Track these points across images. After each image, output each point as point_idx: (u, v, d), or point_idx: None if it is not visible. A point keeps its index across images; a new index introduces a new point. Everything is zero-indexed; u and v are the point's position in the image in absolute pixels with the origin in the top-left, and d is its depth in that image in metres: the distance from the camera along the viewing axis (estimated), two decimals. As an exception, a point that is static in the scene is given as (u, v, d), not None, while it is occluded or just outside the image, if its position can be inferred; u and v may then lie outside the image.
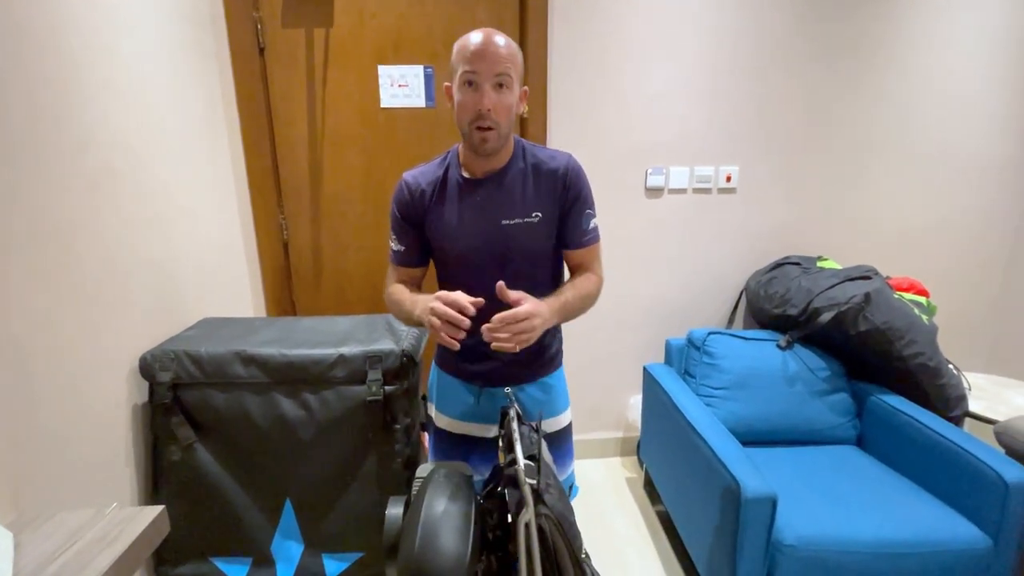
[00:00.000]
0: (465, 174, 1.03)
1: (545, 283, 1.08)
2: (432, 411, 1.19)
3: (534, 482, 0.75)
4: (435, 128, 1.81)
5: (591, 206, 1.05)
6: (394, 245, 1.11)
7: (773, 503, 1.16)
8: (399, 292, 1.08)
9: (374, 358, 1.25)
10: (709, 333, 1.72)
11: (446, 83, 0.99)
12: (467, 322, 0.85)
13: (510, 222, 1.01)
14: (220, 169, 1.67)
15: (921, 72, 1.93)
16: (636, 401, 2.11)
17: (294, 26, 1.70)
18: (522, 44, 1.77)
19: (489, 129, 0.94)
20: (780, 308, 1.75)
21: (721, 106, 1.90)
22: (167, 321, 1.37)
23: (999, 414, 1.63)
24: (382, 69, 1.75)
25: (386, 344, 1.27)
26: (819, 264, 1.87)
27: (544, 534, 0.74)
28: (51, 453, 0.99)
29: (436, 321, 0.87)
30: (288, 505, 1.28)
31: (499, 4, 1.74)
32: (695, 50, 1.84)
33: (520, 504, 0.77)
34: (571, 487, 1.16)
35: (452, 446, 1.15)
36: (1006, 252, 2.17)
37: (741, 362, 1.65)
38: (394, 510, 0.87)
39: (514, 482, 0.85)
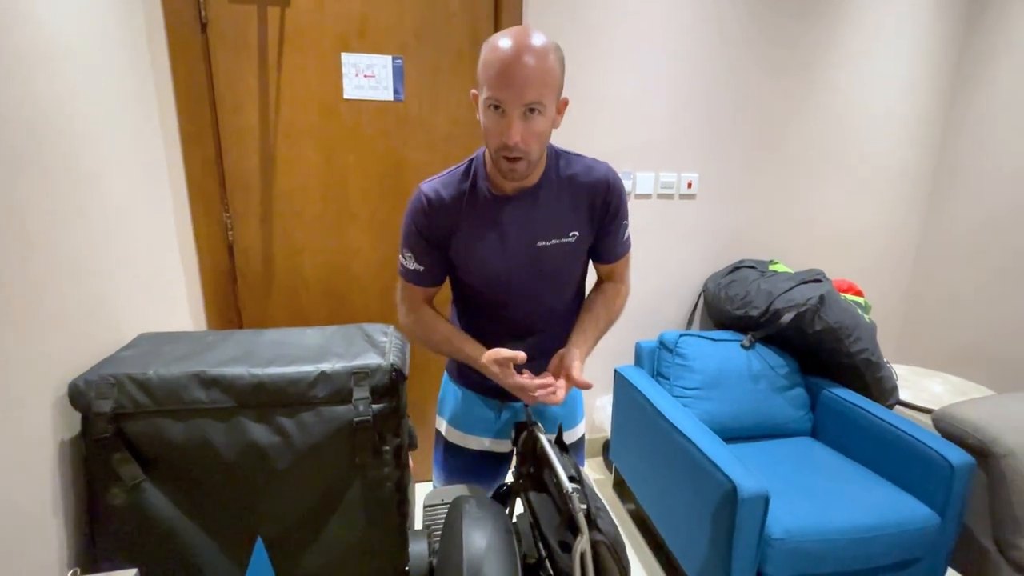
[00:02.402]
0: (494, 190, 0.92)
1: (571, 299, 1.04)
2: (443, 427, 1.12)
3: (586, 507, 0.70)
4: (403, 124, 1.70)
5: (626, 215, 1.01)
6: (409, 264, 0.98)
7: (766, 501, 1.21)
8: (434, 328, 0.98)
9: (360, 374, 1.13)
10: (680, 335, 1.77)
11: (473, 90, 0.87)
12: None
13: (546, 243, 0.92)
14: (151, 158, 1.44)
15: (850, 94, 2.13)
16: (603, 403, 2.13)
17: (244, 1, 1.51)
18: (496, 41, 1.72)
19: (517, 160, 0.83)
20: (742, 309, 1.84)
21: (684, 116, 1.96)
22: (98, 339, 1.16)
23: (924, 400, 1.84)
24: (346, 57, 1.61)
25: (372, 359, 1.16)
26: (771, 267, 1.99)
27: (600, 562, 0.69)
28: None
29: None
30: (260, 544, 1.12)
31: (473, -3, 1.67)
32: (661, 61, 1.90)
33: (572, 528, 0.72)
34: None
35: (465, 461, 1.09)
36: (911, 254, 2.46)
37: (711, 362, 1.72)
38: (418, 546, 0.79)
39: (554, 505, 0.80)
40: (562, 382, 0.88)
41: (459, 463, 1.10)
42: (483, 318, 1.03)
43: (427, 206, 0.93)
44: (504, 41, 0.77)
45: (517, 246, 0.93)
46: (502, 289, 0.97)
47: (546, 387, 0.87)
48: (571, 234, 0.94)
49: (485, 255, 0.94)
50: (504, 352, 0.87)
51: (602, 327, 0.99)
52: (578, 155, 0.98)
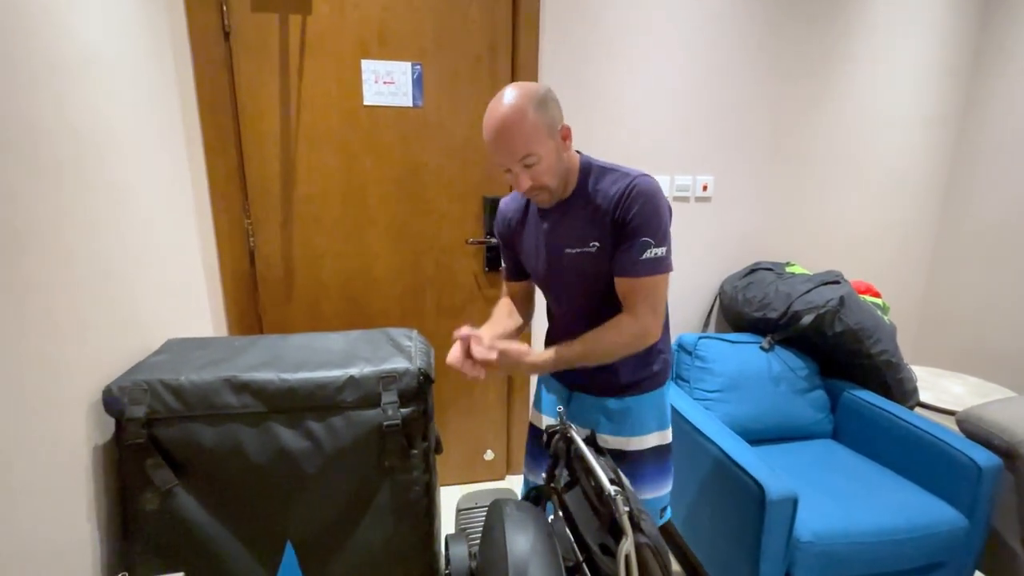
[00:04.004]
0: (539, 204, 1.06)
1: (609, 307, 1.03)
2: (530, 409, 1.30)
3: (628, 509, 0.71)
4: (422, 129, 1.71)
5: (651, 234, 0.93)
6: (503, 261, 1.23)
7: (794, 503, 1.20)
8: (496, 311, 1.20)
9: (388, 379, 1.14)
10: (699, 337, 1.77)
11: None
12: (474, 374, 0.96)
13: (572, 251, 1.01)
14: (175, 166, 1.46)
15: (864, 96, 2.13)
16: (619, 406, 2.12)
17: (266, 10, 1.53)
18: (514, 45, 1.73)
19: (537, 196, 0.99)
20: (760, 312, 1.84)
21: (699, 119, 1.97)
22: (130, 345, 1.17)
23: (945, 402, 1.83)
24: (366, 64, 1.62)
25: (400, 363, 1.17)
26: (788, 269, 1.99)
27: (644, 565, 0.70)
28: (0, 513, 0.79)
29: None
30: (289, 548, 1.13)
31: (492, 3, 1.67)
32: (676, 65, 1.90)
33: (613, 531, 0.72)
34: (664, 509, 1.15)
35: (536, 438, 1.22)
36: (928, 256, 2.45)
37: (731, 365, 1.71)
38: (459, 548, 0.79)
39: (592, 508, 0.80)
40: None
41: (533, 439, 1.24)
42: (550, 316, 1.21)
43: (499, 216, 1.18)
44: (490, 115, 0.92)
45: (550, 253, 1.06)
46: (547, 290, 1.14)
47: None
48: (591, 244, 0.99)
49: (529, 259, 1.12)
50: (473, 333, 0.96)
51: (576, 351, 0.98)
52: (614, 168, 1.00)
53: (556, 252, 1.04)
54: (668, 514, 1.16)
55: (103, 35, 1.15)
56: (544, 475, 1.20)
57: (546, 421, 1.20)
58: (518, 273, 1.20)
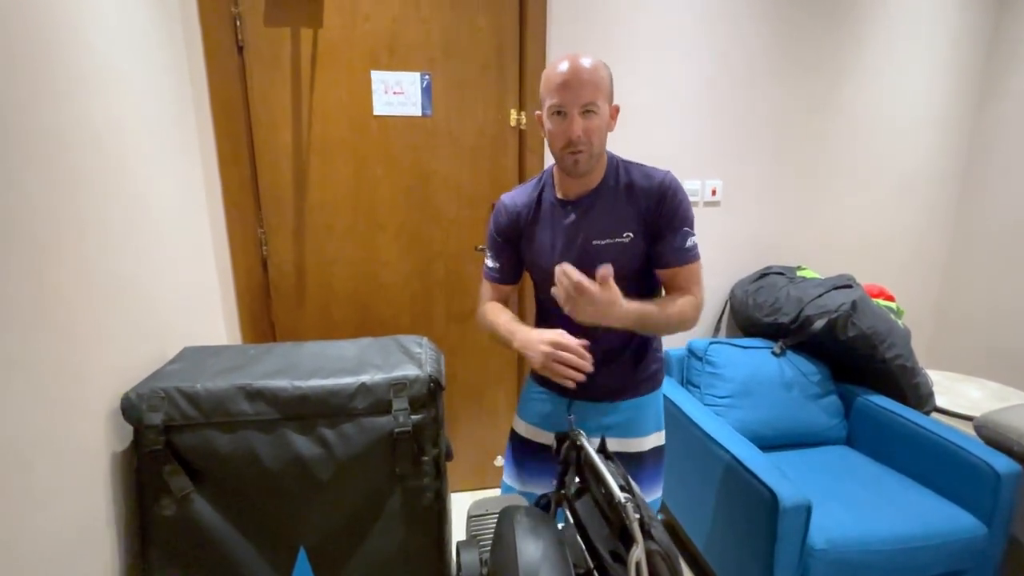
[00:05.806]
0: (559, 195, 1.06)
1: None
2: (517, 423, 1.21)
3: (639, 516, 0.71)
4: (431, 137, 1.73)
5: (689, 224, 1.02)
6: (489, 262, 1.15)
7: (808, 510, 1.19)
8: (494, 314, 1.09)
9: (398, 386, 1.15)
10: (710, 343, 1.76)
11: (537, 111, 1.03)
12: (588, 366, 0.90)
13: (601, 242, 1.01)
14: (190, 176, 1.49)
15: (875, 99, 2.12)
16: (630, 412, 2.12)
17: (278, 24, 1.56)
18: (521, 53, 1.74)
19: (580, 152, 0.96)
20: (771, 316, 1.83)
21: (707, 123, 1.97)
22: (146, 353, 1.20)
23: (962, 407, 1.80)
24: (375, 74, 1.64)
25: (410, 370, 1.18)
26: (800, 273, 1.97)
27: (655, 572, 0.69)
28: (21, 518, 0.81)
29: (557, 367, 0.91)
30: (303, 554, 1.14)
31: (499, 12, 1.70)
32: (685, 70, 1.91)
33: (624, 538, 0.72)
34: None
35: (532, 452, 1.17)
36: (942, 259, 2.42)
37: (742, 370, 1.70)
38: (470, 555, 0.79)
39: (603, 515, 0.80)
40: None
41: (527, 454, 1.18)
42: (551, 320, 1.12)
43: (503, 212, 1.11)
44: (562, 65, 0.95)
45: (576, 244, 1.03)
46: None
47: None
48: (625, 234, 1.01)
49: (545, 251, 1.06)
50: (566, 338, 0.91)
51: (653, 312, 0.95)
52: (640, 164, 1.06)
53: (581, 243, 1.02)
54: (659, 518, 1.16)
55: (125, 52, 1.18)
56: (518, 480, 1.20)
57: (522, 425, 1.20)
58: (513, 275, 1.15)
